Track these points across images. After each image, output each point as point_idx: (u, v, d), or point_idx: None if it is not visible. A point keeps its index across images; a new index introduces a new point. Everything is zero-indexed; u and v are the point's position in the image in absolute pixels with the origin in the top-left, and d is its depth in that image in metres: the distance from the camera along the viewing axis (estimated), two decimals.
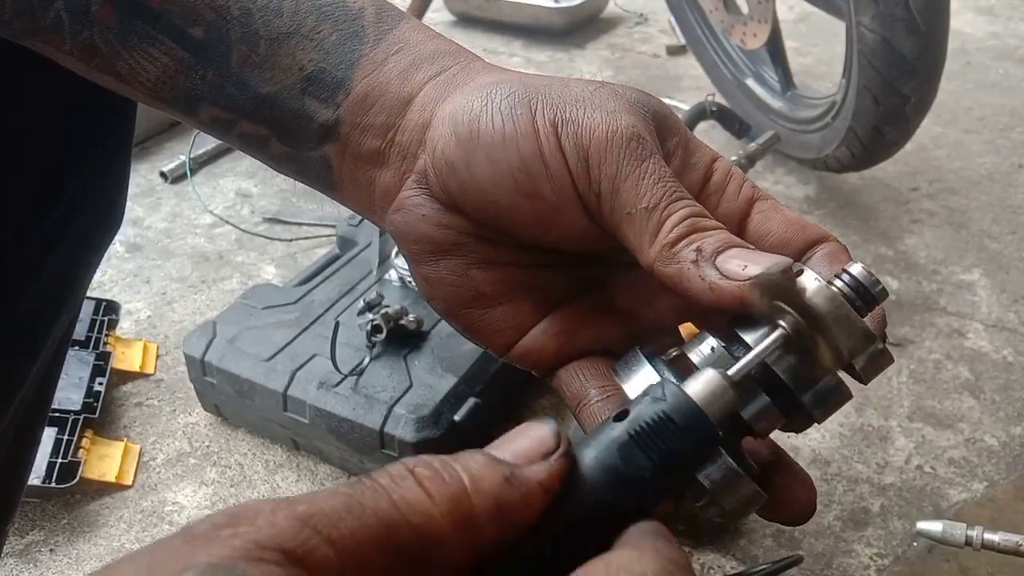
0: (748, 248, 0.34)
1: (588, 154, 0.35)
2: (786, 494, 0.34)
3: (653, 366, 0.34)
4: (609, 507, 0.26)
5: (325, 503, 0.23)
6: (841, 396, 0.33)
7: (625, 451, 0.27)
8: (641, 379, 0.34)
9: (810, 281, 0.31)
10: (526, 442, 0.26)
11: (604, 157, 0.35)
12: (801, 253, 0.36)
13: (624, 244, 0.36)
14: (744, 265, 0.33)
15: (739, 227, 0.37)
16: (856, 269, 0.33)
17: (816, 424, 0.34)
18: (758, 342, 0.32)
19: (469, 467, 0.25)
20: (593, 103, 0.36)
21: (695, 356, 0.34)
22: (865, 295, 0.32)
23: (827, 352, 0.31)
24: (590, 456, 0.27)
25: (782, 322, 0.31)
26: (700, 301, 0.34)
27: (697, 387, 0.28)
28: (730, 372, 0.30)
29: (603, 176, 0.35)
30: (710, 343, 0.34)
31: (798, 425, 0.35)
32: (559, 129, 0.35)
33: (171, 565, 0.21)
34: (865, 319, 0.32)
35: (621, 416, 0.28)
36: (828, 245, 0.36)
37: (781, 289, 0.31)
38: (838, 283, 0.32)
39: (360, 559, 0.22)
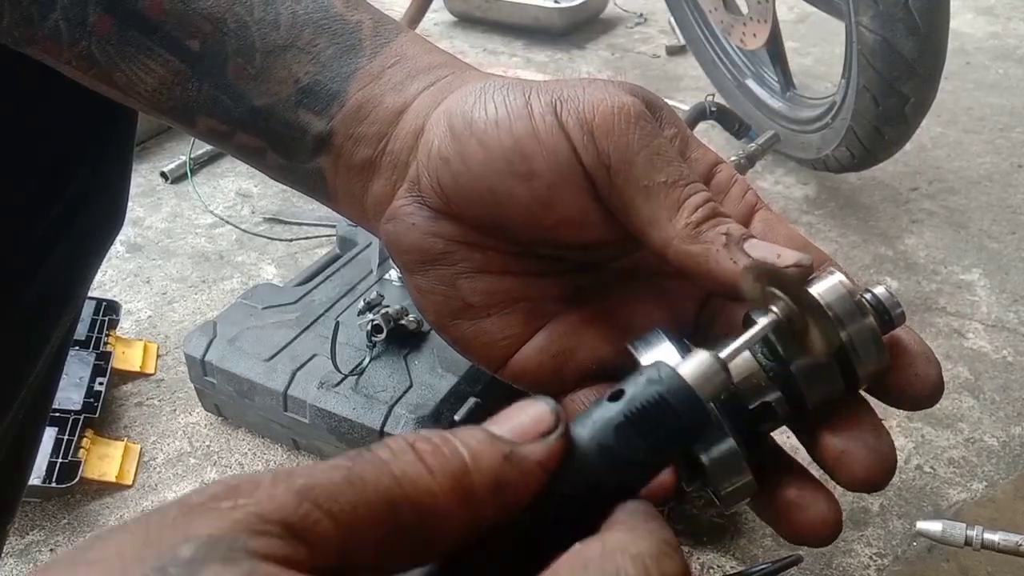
0: (762, 240, 0.34)
1: (594, 127, 0.34)
2: (806, 512, 0.33)
3: (673, 344, 0.34)
4: (603, 487, 0.27)
5: (325, 477, 0.22)
6: (831, 377, 0.33)
7: (621, 432, 0.27)
8: (659, 355, 0.34)
9: (829, 278, 0.32)
10: (524, 419, 0.26)
11: (612, 130, 0.34)
12: None
13: (632, 220, 0.35)
14: (778, 254, 0.33)
15: None
16: (879, 290, 0.33)
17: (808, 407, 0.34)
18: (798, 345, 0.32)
19: (469, 443, 0.25)
20: (591, 86, 0.36)
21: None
22: (884, 316, 0.33)
23: (819, 337, 0.31)
24: (586, 436, 0.27)
25: (774, 307, 0.32)
26: (724, 284, 0.34)
27: (690, 368, 0.29)
28: (721, 354, 0.30)
29: (613, 148, 0.34)
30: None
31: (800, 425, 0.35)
32: (558, 108, 0.35)
33: (169, 536, 0.20)
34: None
35: (616, 396, 0.28)
36: (832, 269, 0.36)
37: (775, 275, 0.31)
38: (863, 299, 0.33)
39: (360, 533, 0.22)
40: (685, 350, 0.34)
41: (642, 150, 0.34)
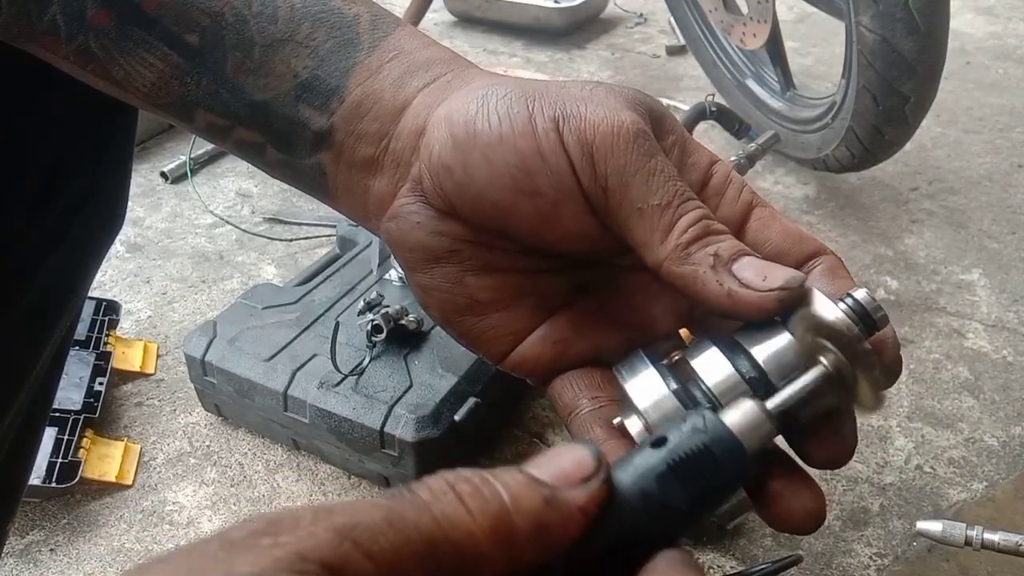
0: (757, 257, 0.34)
1: (593, 148, 0.35)
2: (789, 501, 0.34)
3: (656, 369, 0.34)
4: (643, 534, 0.27)
5: (366, 515, 0.22)
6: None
7: (663, 481, 0.27)
8: (644, 381, 0.34)
9: (836, 314, 0.32)
10: (566, 463, 0.26)
11: (611, 151, 0.34)
12: (798, 265, 0.36)
13: (629, 240, 0.35)
14: (764, 276, 0.33)
15: (737, 233, 0.37)
16: (860, 294, 0.33)
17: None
18: (789, 373, 0.32)
19: (509, 485, 0.24)
20: (592, 100, 0.36)
21: (698, 365, 0.34)
22: (867, 319, 0.33)
23: (868, 392, 0.31)
24: (627, 482, 0.27)
25: (824, 359, 0.31)
26: (712, 305, 0.34)
27: (736, 418, 0.28)
28: (769, 406, 0.30)
29: (610, 170, 0.34)
30: (713, 351, 0.34)
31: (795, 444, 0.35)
32: (560, 125, 0.35)
33: (210, 573, 0.20)
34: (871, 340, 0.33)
35: (659, 443, 0.27)
36: (826, 259, 0.36)
37: (828, 327, 0.31)
38: (840, 307, 0.33)
39: (399, 574, 0.22)
40: (668, 373, 0.34)
41: (638, 172, 0.34)
